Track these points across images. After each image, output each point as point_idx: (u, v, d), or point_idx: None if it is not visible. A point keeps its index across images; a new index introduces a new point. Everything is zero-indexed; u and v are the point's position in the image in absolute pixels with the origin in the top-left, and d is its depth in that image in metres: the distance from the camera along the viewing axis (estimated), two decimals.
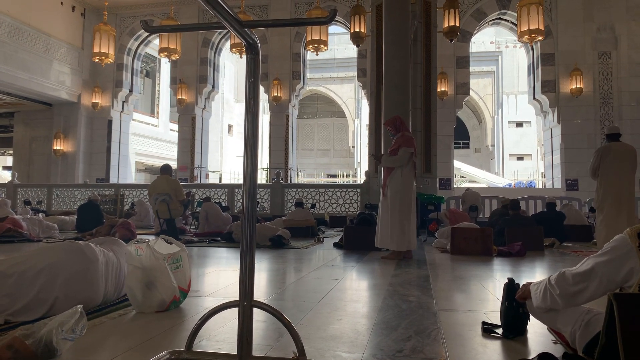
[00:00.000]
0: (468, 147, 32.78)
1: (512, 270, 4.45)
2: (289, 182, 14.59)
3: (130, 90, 16.74)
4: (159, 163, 16.87)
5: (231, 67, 28.32)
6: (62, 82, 15.40)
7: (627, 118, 13.16)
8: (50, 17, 14.93)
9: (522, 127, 28.84)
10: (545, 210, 8.39)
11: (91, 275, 2.48)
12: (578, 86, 13.18)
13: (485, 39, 27.04)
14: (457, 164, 20.80)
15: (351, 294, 3.22)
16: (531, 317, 2.07)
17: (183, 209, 8.04)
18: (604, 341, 1.38)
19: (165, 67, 22.59)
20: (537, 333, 2.12)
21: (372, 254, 5.54)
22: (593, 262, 1.64)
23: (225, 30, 15.75)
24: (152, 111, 24.39)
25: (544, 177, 17.87)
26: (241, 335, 1.47)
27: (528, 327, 2.12)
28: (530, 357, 1.66)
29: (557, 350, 1.80)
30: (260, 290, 3.27)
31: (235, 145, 28.76)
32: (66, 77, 15.55)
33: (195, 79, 15.74)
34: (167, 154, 23.03)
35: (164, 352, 1.59)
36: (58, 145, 15.88)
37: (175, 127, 18.99)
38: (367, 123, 13.82)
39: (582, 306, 1.77)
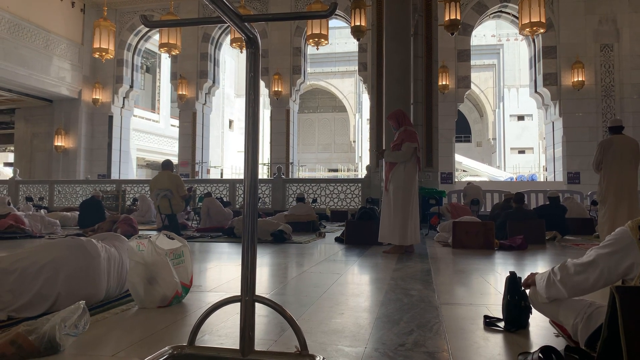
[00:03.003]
0: (469, 141, 32.73)
1: (514, 264, 4.46)
2: (290, 177, 14.59)
3: (131, 86, 16.73)
4: (160, 159, 16.86)
5: (231, 62, 28.25)
6: (63, 78, 15.39)
7: (629, 111, 13.11)
8: (49, 13, 14.89)
9: (523, 120, 28.77)
10: (547, 203, 8.37)
11: (93, 271, 2.48)
12: (580, 79, 13.13)
13: (487, 32, 26.94)
14: (458, 157, 20.77)
15: (353, 288, 3.22)
16: (533, 310, 2.08)
17: (184, 204, 8.05)
18: (606, 334, 1.38)
19: (165, 62, 22.54)
20: (539, 326, 2.12)
21: (373, 249, 5.54)
22: (595, 254, 1.66)
23: (225, 25, 15.78)
24: (153, 107, 24.37)
25: (546, 171, 17.84)
26: (243, 330, 1.47)
27: (530, 320, 2.12)
28: (532, 351, 1.66)
29: (559, 344, 1.80)
30: (262, 285, 3.28)
31: (236, 140, 28.74)
32: (66, 73, 15.54)
33: (195, 74, 15.71)
34: (168, 149, 23.02)
35: (166, 347, 1.59)
36: (59, 142, 15.89)
37: (176, 122, 18.97)
38: (368, 117, 13.81)
39: (584, 299, 1.78)
